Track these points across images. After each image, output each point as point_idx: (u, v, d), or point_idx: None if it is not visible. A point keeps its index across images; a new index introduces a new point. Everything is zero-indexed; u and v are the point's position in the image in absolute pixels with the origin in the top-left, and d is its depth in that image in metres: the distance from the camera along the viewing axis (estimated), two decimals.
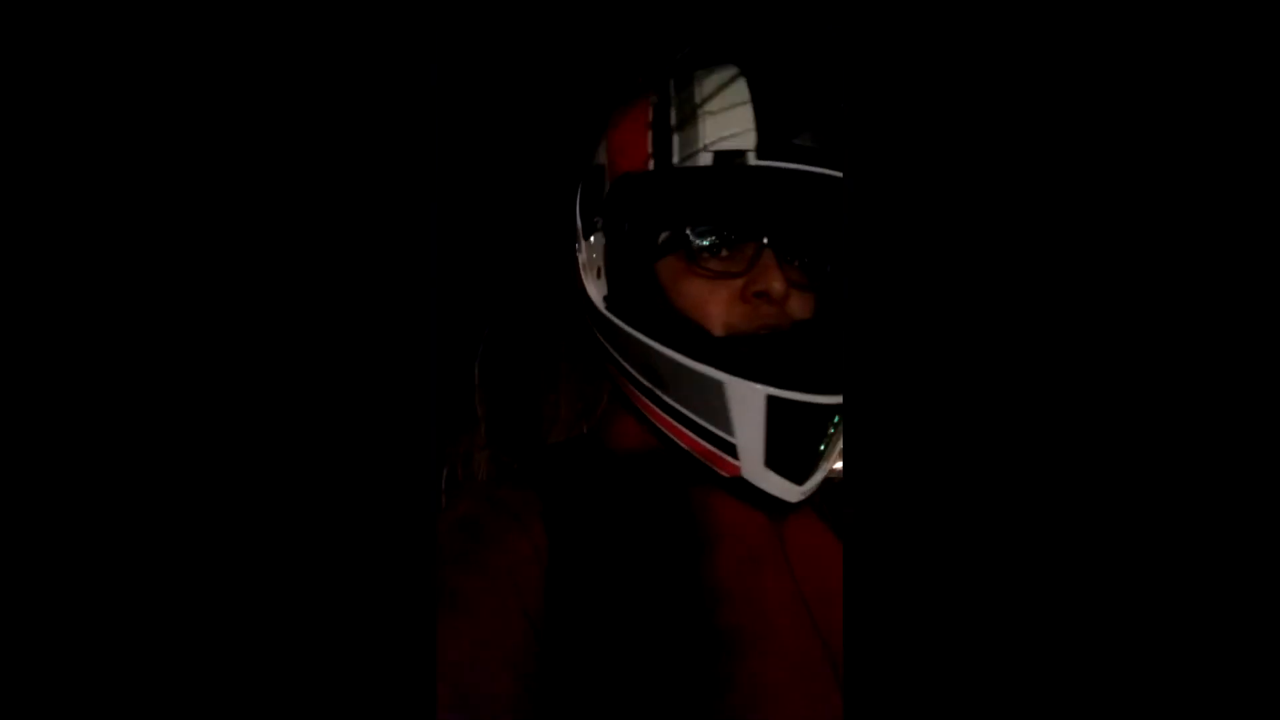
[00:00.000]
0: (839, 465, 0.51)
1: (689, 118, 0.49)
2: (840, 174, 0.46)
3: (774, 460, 0.48)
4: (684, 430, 0.50)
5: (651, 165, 0.49)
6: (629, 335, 0.49)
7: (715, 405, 0.47)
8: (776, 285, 0.47)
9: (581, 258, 0.54)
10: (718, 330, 0.49)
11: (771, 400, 0.46)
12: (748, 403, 0.46)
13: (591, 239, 0.53)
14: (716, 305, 0.49)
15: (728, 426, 0.48)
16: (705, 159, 0.47)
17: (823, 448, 0.49)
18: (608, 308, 0.51)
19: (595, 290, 0.52)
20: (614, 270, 0.51)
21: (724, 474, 0.49)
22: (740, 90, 0.49)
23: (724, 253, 0.49)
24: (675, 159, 0.48)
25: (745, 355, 0.48)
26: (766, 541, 0.50)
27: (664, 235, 0.50)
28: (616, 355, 0.52)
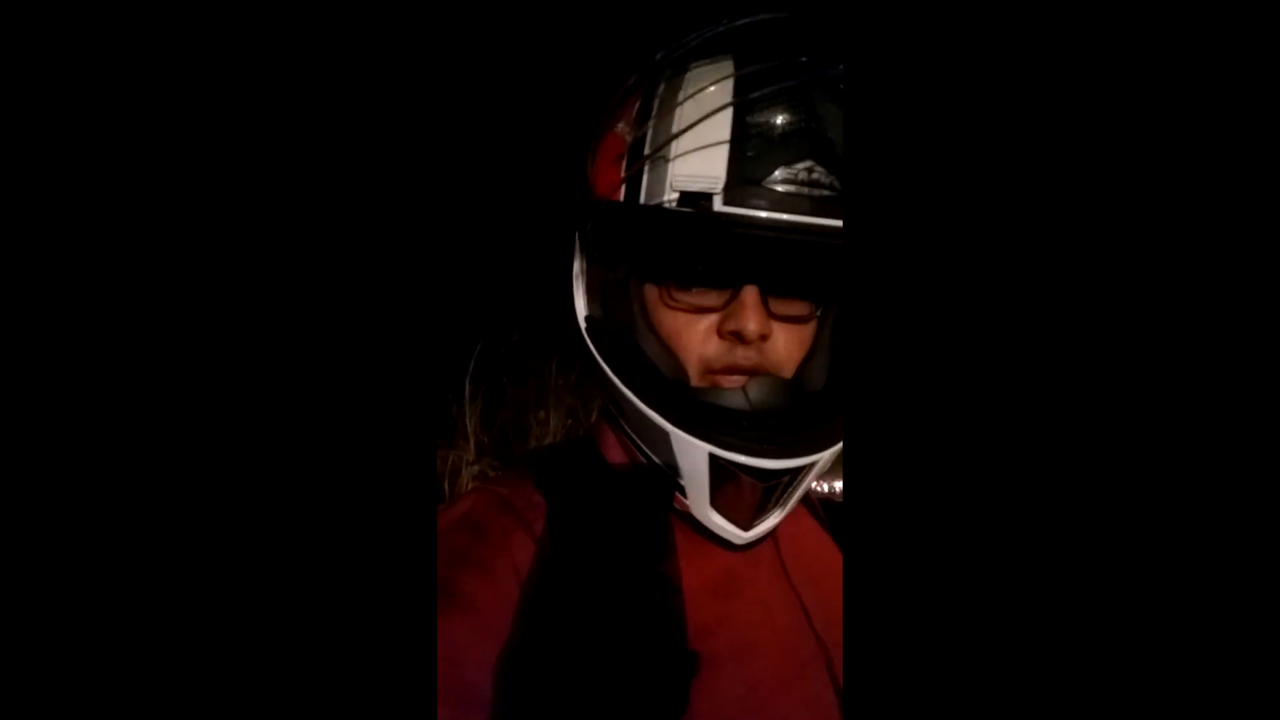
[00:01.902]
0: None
1: (663, 150, 0.46)
2: (822, 219, 0.43)
3: (719, 506, 0.47)
4: (644, 460, 0.51)
5: (624, 194, 0.47)
6: (598, 362, 0.49)
7: (664, 448, 0.47)
8: (750, 326, 0.45)
9: (576, 267, 0.53)
10: (693, 364, 0.47)
11: (714, 458, 0.45)
12: (691, 455, 0.45)
13: (582, 256, 0.52)
14: (692, 338, 0.47)
15: (675, 469, 0.47)
16: (671, 199, 0.45)
17: (774, 501, 0.48)
18: (587, 329, 0.51)
19: (581, 306, 0.52)
20: (592, 293, 0.51)
21: (678, 506, 0.49)
22: (722, 125, 0.44)
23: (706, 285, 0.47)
24: (642, 196, 0.46)
25: (691, 409, 0.46)
26: (761, 547, 0.51)
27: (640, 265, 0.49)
28: (594, 374, 0.53)
